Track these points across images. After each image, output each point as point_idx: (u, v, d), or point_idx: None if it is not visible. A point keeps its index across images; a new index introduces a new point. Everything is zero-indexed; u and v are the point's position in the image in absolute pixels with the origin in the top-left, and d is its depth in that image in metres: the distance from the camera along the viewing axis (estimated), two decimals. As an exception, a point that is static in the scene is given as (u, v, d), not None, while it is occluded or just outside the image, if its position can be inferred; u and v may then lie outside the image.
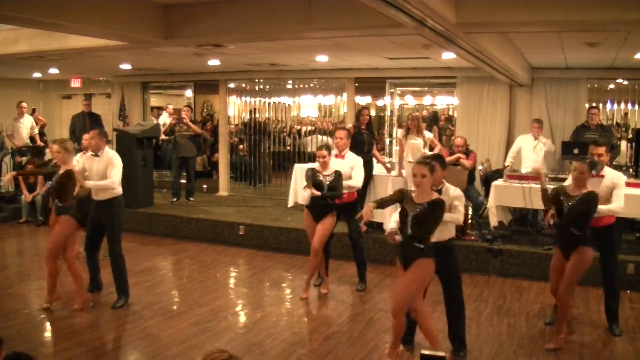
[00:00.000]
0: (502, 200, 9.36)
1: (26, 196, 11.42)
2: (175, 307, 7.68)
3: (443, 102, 14.73)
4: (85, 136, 9.41)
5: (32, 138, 13.14)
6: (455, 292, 6.09)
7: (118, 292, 7.56)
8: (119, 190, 7.36)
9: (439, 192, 5.79)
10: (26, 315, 7.21)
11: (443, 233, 5.80)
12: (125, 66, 12.73)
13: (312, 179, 7.58)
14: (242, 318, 7.40)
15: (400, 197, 5.57)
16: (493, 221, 9.40)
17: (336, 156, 7.99)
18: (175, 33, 7.32)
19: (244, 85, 14.70)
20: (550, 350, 6.13)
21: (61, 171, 7.20)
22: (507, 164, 10.29)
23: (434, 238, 5.62)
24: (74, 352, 6.11)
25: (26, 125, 13.00)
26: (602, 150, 6.73)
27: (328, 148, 7.70)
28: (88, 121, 13.41)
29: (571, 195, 6.13)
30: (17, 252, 9.33)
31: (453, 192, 5.91)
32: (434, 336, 5.64)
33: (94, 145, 7.32)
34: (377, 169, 10.24)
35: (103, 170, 7.25)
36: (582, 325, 6.89)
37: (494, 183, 9.50)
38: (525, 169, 9.84)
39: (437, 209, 5.35)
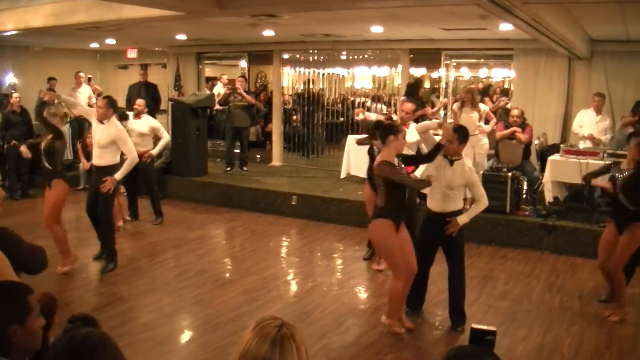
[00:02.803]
0: (558, 176, 9.20)
1: (84, 164, 11.66)
2: (227, 275, 7.81)
3: (499, 74, 14.48)
4: (139, 101, 9.74)
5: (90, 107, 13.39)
6: (457, 266, 6.14)
7: (107, 258, 7.78)
8: (117, 158, 7.63)
9: (451, 163, 5.89)
10: (83, 280, 7.44)
11: (448, 204, 5.94)
12: (181, 36, 12.82)
13: None
14: (293, 287, 7.48)
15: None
16: (548, 197, 9.26)
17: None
18: (229, 3, 7.32)
19: (298, 56, 14.66)
20: (613, 322, 6.18)
21: (49, 135, 7.42)
22: (586, 134, 9.91)
23: (437, 208, 5.98)
24: (129, 315, 6.29)
25: (84, 95, 13.23)
26: None
27: None
28: (144, 91, 13.58)
29: (622, 169, 6.18)
30: (75, 219, 9.56)
31: (467, 172, 5.96)
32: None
33: (101, 114, 7.47)
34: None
35: (105, 139, 7.46)
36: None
37: (550, 158, 9.34)
38: (582, 143, 9.63)
39: None
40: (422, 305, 6.47)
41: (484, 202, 6.00)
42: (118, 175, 7.45)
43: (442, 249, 6.12)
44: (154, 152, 9.72)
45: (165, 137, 9.82)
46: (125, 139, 7.54)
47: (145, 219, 10.14)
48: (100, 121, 7.49)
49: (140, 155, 9.41)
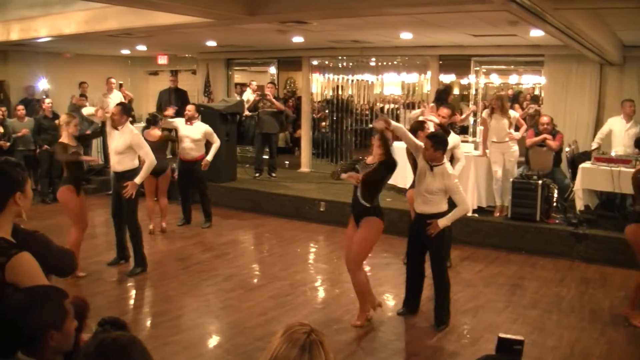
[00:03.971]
0: (589, 184, 9.10)
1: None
2: (255, 280, 7.84)
3: (529, 81, 14.37)
4: (189, 107, 10.07)
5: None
6: (439, 266, 6.26)
7: (135, 261, 7.88)
8: (136, 162, 7.74)
9: (431, 168, 6.08)
10: (112, 283, 7.52)
11: (428, 206, 6.15)
12: (211, 43, 12.92)
13: None
14: (321, 293, 7.48)
15: (353, 162, 6.40)
16: (579, 205, 9.16)
17: None
18: (259, 9, 7.36)
19: (327, 62, 14.70)
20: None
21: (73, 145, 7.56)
22: (594, 146, 9.93)
23: (418, 209, 6.23)
24: (157, 319, 6.34)
25: (115, 101, 13.31)
26: None
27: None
28: (174, 97, 13.72)
29: None
30: (105, 223, 9.65)
31: (446, 178, 6.05)
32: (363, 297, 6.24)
33: (116, 121, 7.60)
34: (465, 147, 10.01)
35: (122, 145, 7.59)
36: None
37: (581, 165, 9.24)
38: (614, 152, 9.50)
39: (383, 168, 6.01)
40: (418, 306, 6.60)
41: (464, 207, 6.18)
42: (138, 179, 7.56)
43: (427, 250, 6.31)
44: (209, 158, 9.84)
45: (217, 143, 9.96)
46: (141, 143, 7.67)
47: (173, 224, 10.24)
48: (115, 127, 7.61)
49: (195, 160, 9.68)
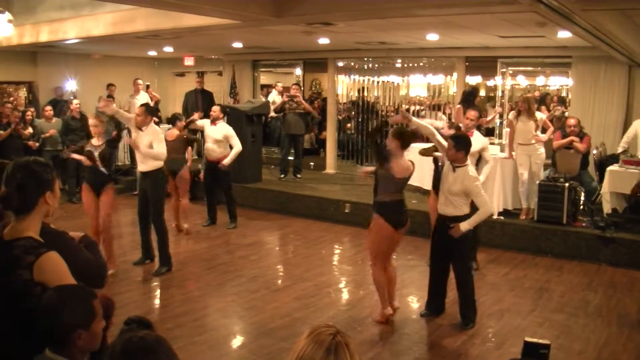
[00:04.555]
0: (617, 187, 9.01)
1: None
2: (280, 281, 7.86)
3: (556, 82, 14.24)
4: (214, 108, 10.10)
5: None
6: (460, 268, 6.30)
7: (160, 261, 7.96)
8: (160, 162, 7.79)
9: (454, 169, 6.09)
10: (138, 283, 7.59)
11: (449, 208, 6.17)
12: (237, 44, 12.96)
13: None
14: (345, 295, 7.48)
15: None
16: (606, 208, 9.06)
17: None
18: (286, 11, 7.38)
19: (352, 63, 14.69)
20: None
21: (101, 142, 7.64)
22: (620, 150, 9.82)
23: (441, 211, 6.27)
24: (182, 319, 6.37)
25: (142, 102, 13.47)
26: None
27: None
28: (200, 98, 13.79)
29: None
30: (131, 223, 9.73)
31: (467, 180, 6.04)
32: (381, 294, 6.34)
33: (140, 121, 7.68)
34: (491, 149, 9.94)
35: (146, 145, 7.64)
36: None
37: (609, 168, 9.15)
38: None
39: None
40: (441, 309, 6.60)
41: (485, 210, 6.12)
42: (143, 150, 7.63)
43: (448, 252, 6.32)
44: (226, 162, 9.86)
45: (237, 147, 9.93)
46: (160, 140, 7.77)
47: (198, 224, 10.31)
48: (139, 128, 7.69)
49: (218, 161, 9.79)
